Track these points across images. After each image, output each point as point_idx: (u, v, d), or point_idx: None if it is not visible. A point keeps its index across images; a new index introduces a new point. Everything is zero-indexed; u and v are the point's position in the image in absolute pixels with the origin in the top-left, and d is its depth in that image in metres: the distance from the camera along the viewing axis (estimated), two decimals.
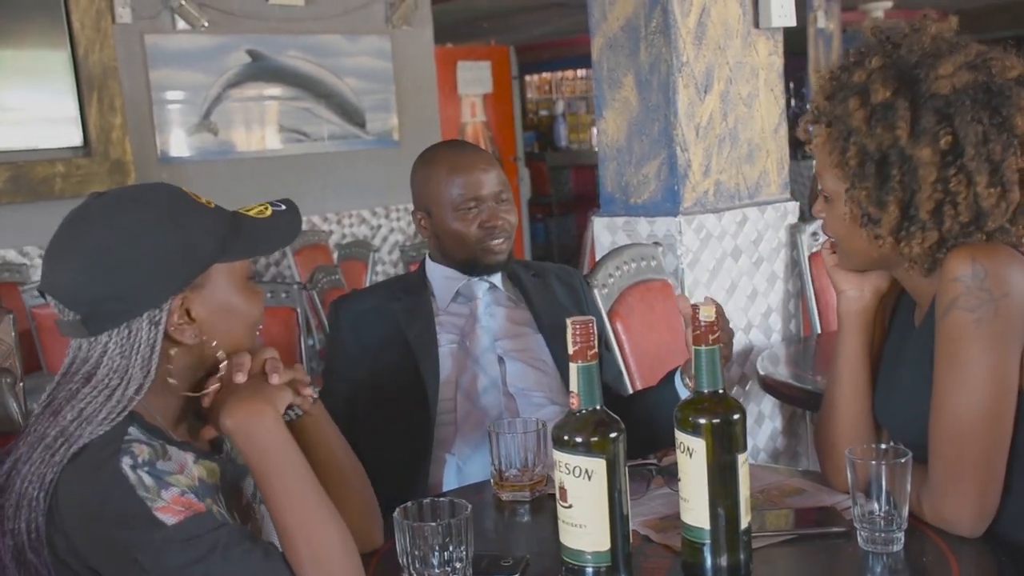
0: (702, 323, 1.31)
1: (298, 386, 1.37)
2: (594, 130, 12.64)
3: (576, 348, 1.28)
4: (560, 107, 12.42)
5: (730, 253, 2.97)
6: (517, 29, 10.09)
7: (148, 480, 1.20)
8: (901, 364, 1.54)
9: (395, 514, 1.33)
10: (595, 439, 1.28)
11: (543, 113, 12.53)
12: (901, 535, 1.38)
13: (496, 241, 2.01)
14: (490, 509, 1.69)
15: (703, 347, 1.32)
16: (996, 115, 1.38)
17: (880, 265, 1.53)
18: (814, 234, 3.07)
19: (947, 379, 1.37)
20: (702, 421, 1.30)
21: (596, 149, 9.41)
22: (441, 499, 1.37)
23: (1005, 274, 1.35)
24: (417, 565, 1.31)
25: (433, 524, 1.31)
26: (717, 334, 1.32)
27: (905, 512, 1.37)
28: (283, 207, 1.39)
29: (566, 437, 1.29)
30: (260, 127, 6.51)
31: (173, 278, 1.27)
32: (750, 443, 3.07)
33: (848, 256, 1.54)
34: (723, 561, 1.31)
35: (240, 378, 1.30)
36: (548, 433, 1.72)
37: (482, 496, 1.72)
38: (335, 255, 5.98)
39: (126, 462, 1.20)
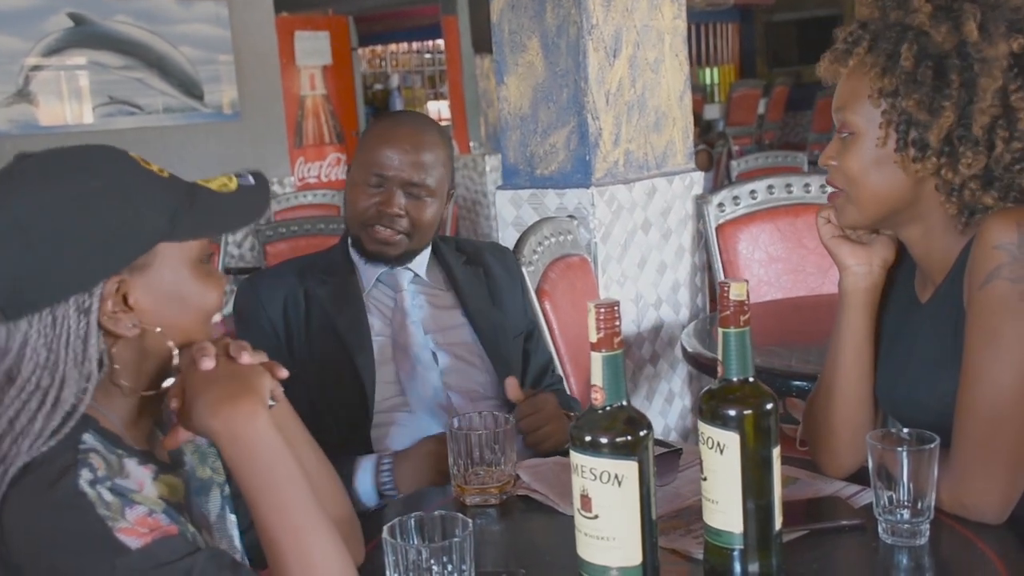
0: (731, 302, 1.16)
1: (270, 368, 1.17)
2: (429, 105, 12.49)
3: (601, 335, 1.11)
4: (395, 81, 12.20)
5: (640, 226, 2.85)
6: None
7: (109, 497, 1.00)
8: (906, 341, 1.43)
9: (384, 534, 1.14)
10: (625, 439, 1.11)
11: (378, 87, 12.28)
12: (927, 527, 1.27)
13: (383, 230, 1.81)
14: None
15: (732, 329, 1.17)
16: None
17: (899, 213, 1.38)
18: (720, 205, 3.00)
19: (983, 354, 1.27)
20: (733, 413, 1.16)
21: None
22: (433, 514, 1.19)
23: None
24: None
25: (436, 545, 1.13)
26: (747, 315, 1.17)
27: (932, 501, 1.27)
28: (251, 180, 1.19)
29: (589, 438, 1.12)
30: (87, 98, 6.02)
31: (106, 258, 1.07)
32: (662, 423, 2.98)
33: (861, 204, 1.39)
34: (755, 567, 1.18)
35: (207, 363, 1.10)
36: (514, 428, 1.57)
37: (439, 502, 1.55)
38: None
39: (84, 476, 1.00)
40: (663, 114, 2.95)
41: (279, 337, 1.79)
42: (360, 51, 11.44)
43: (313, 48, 8.35)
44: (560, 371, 2.20)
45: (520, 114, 2.79)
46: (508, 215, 2.80)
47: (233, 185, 1.18)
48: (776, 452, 1.18)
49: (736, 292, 1.16)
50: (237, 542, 1.28)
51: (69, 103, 5.97)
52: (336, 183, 8.20)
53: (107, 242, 1.07)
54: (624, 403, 1.13)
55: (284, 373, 1.19)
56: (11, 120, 5.70)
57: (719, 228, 2.98)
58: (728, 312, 1.17)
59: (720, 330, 1.19)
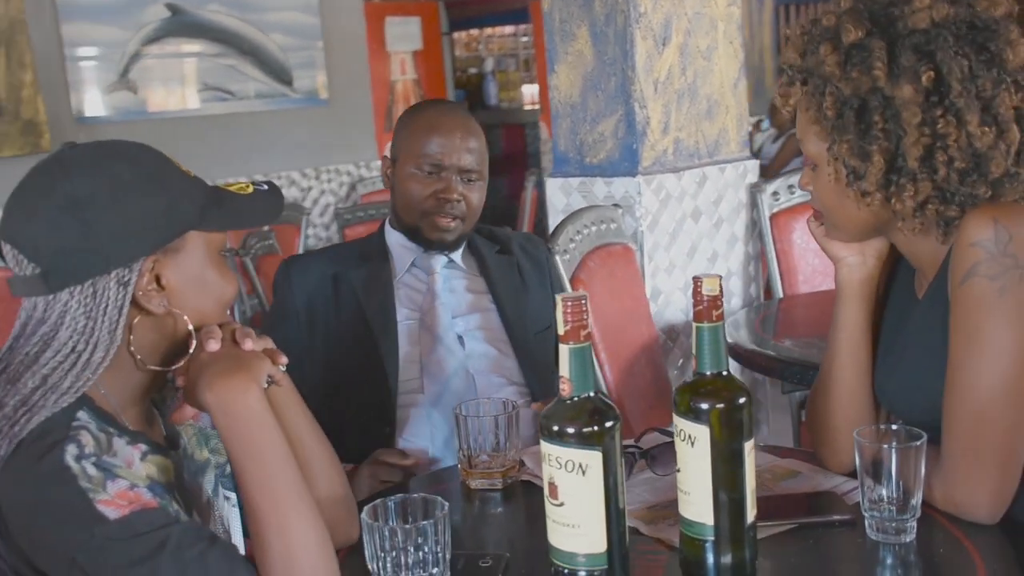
0: (705, 297, 1.18)
1: (271, 355, 1.26)
2: (523, 88, 12.49)
3: (568, 328, 1.14)
4: (489, 65, 12.21)
5: (690, 214, 2.84)
6: None
7: (93, 471, 1.07)
8: (903, 337, 1.42)
9: (363, 514, 1.19)
10: (590, 430, 1.14)
11: (472, 71, 12.32)
12: (914, 524, 1.27)
13: (444, 218, 1.87)
14: (458, 499, 1.55)
15: (705, 324, 1.19)
16: (983, 51, 1.27)
17: (875, 232, 1.41)
18: (775, 193, 2.96)
19: (965, 353, 1.26)
20: (704, 406, 1.17)
21: (528, 108, 9.19)
22: (413, 496, 1.23)
23: None
24: (388, 569, 1.17)
25: (406, 526, 1.18)
26: (721, 310, 1.19)
27: (919, 499, 1.26)
28: (265, 187, 1.31)
29: (556, 428, 1.15)
30: (182, 85, 6.21)
31: (149, 237, 1.17)
32: None
33: (839, 227, 1.42)
34: (727, 558, 1.19)
35: (213, 345, 1.19)
36: (520, 414, 1.60)
37: (446, 485, 1.59)
38: None
39: (71, 451, 1.08)
40: (715, 102, 2.93)
41: (300, 318, 1.86)
42: (455, 35, 11.53)
43: (404, 33, 8.43)
44: (594, 359, 2.22)
45: (570, 103, 2.81)
46: (558, 203, 2.82)
47: (249, 189, 1.29)
48: (748, 446, 1.19)
49: (709, 287, 1.18)
50: (233, 520, 1.34)
51: (166, 90, 6.16)
52: None
53: (148, 223, 1.16)
54: (591, 394, 1.16)
55: (284, 360, 1.27)
56: (113, 107, 5.92)
57: (773, 217, 2.95)
58: (701, 307, 1.18)
59: (694, 324, 1.21)
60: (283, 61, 6.53)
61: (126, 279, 1.16)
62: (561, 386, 1.16)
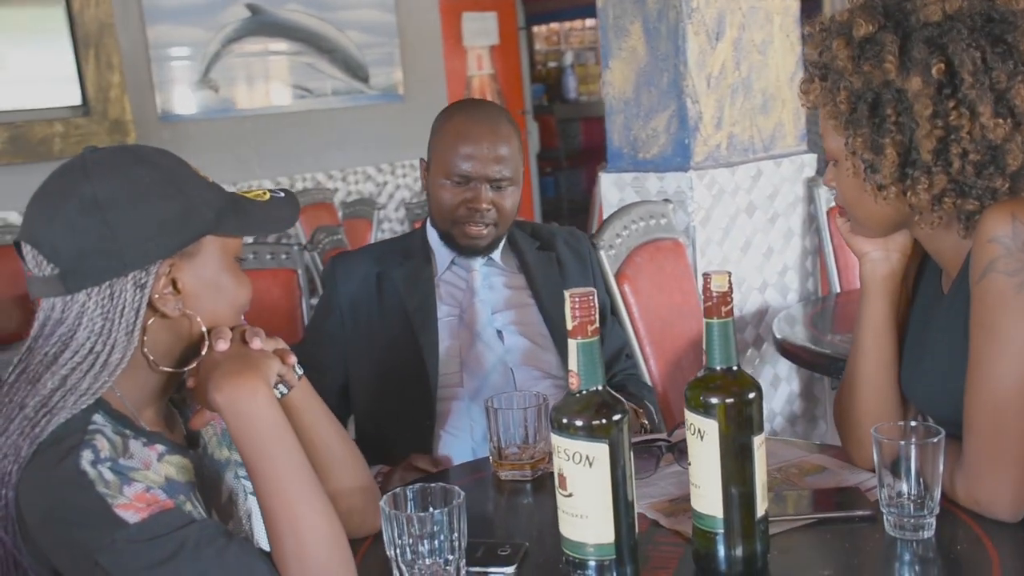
0: (714, 294, 1.19)
1: (282, 355, 1.29)
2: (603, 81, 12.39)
3: (576, 323, 1.16)
4: (569, 58, 12.19)
5: (744, 209, 2.83)
6: None
7: (109, 476, 1.10)
8: (929, 333, 1.41)
9: (382, 502, 1.23)
10: (597, 422, 1.16)
11: (551, 65, 12.32)
12: (932, 520, 1.26)
13: (474, 227, 1.89)
14: (489, 489, 1.58)
15: (715, 319, 1.20)
16: (999, 43, 1.26)
17: (896, 227, 1.41)
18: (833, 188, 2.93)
19: (984, 350, 1.25)
20: (714, 401, 1.19)
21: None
22: (432, 485, 1.27)
23: None
24: (407, 556, 1.21)
25: (421, 514, 1.21)
26: (730, 305, 1.20)
27: (937, 495, 1.26)
28: (282, 195, 1.32)
29: (565, 420, 1.18)
30: (262, 83, 6.38)
31: (166, 241, 1.19)
32: (765, 408, 2.95)
33: (860, 222, 1.42)
34: (737, 551, 1.21)
35: (222, 345, 1.22)
36: (550, 407, 1.63)
37: (482, 475, 1.62)
38: (340, 213, 5.87)
39: (86, 457, 1.11)
40: (771, 96, 2.91)
41: (343, 315, 1.92)
42: (536, 29, 11.55)
43: (480, 29, 8.50)
44: (637, 355, 2.24)
45: (623, 98, 2.82)
46: (612, 198, 2.84)
47: (266, 196, 1.30)
48: (758, 440, 1.20)
49: (718, 283, 1.19)
50: (256, 516, 1.38)
51: (246, 88, 6.33)
52: None
53: (165, 227, 1.18)
54: (599, 388, 1.18)
55: (293, 359, 1.30)
56: (195, 105, 6.10)
57: (831, 211, 2.92)
58: (711, 303, 1.20)
59: (704, 320, 1.22)
60: (360, 58, 6.65)
61: (143, 281, 1.18)
62: (570, 380, 1.19)
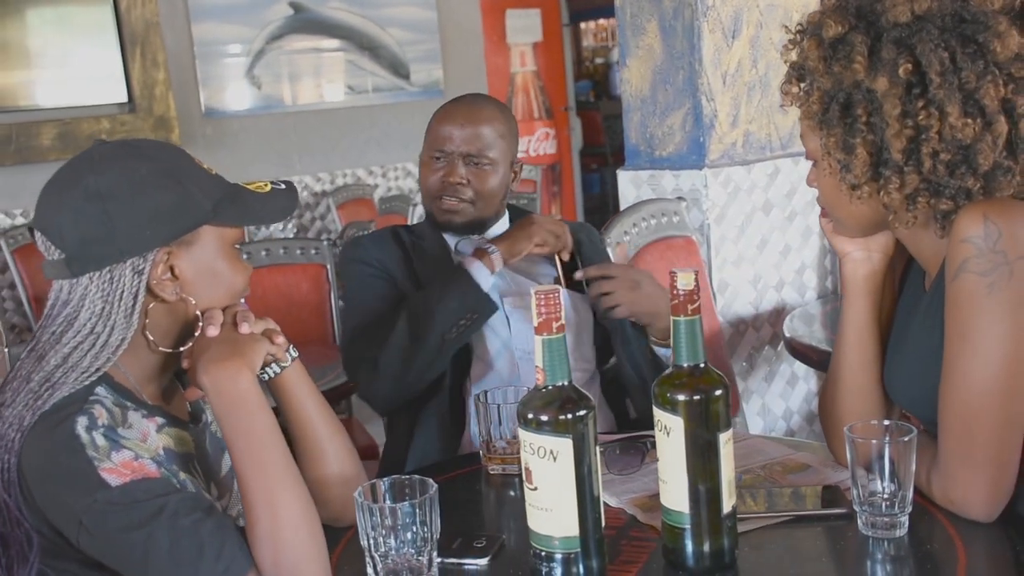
0: (680, 292, 1.21)
1: (271, 335, 1.34)
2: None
3: (541, 320, 1.18)
4: (616, 54, 12.15)
5: (761, 207, 2.82)
6: None
7: (100, 441, 1.18)
8: (911, 331, 1.41)
9: (356, 493, 1.26)
10: (561, 418, 1.18)
11: (599, 61, 12.30)
12: (905, 519, 1.27)
13: (448, 200, 1.94)
14: (479, 483, 1.61)
15: (682, 317, 1.22)
16: (970, 43, 1.25)
17: (875, 227, 1.41)
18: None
19: (957, 349, 1.25)
20: (680, 398, 1.20)
21: None
22: (409, 477, 1.29)
23: (1022, 234, 1.21)
24: (380, 547, 1.24)
25: (391, 505, 1.24)
26: (697, 304, 1.21)
27: (910, 494, 1.26)
28: (283, 186, 1.38)
29: (530, 415, 1.20)
30: (304, 80, 6.46)
31: (162, 230, 1.26)
32: (783, 406, 2.95)
33: (840, 221, 1.43)
34: (705, 547, 1.22)
35: (212, 331, 1.28)
36: None
37: (476, 468, 1.65)
38: (378, 209, 5.93)
39: (81, 423, 1.18)
40: None
41: (377, 266, 1.94)
42: (584, 25, 11.54)
43: (524, 26, 8.51)
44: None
45: (640, 96, 2.82)
46: (629, 195, 2.84)
47: (267, 188, 1.36)
48: (724, 437, 1.21)
49: (684, 281, 1.21)
50: None
51: (288, 85, 6.41)
52: (544, 157, 8.35)
53: (164, 217, 1.26)
54: (565, 383, 1.20)
55: (282, 340, 1.35)
56: (238, 102, 6.19)
57: None
58: (677, 301, 1.21)
59: (671, 318, 1.24)
60: (401, 55, 6.70)
61: (141, 268, 1.25)
62: (536, 376, 1.21)
